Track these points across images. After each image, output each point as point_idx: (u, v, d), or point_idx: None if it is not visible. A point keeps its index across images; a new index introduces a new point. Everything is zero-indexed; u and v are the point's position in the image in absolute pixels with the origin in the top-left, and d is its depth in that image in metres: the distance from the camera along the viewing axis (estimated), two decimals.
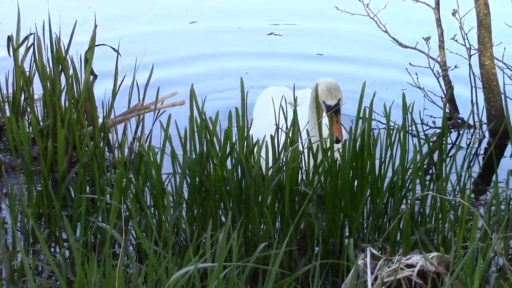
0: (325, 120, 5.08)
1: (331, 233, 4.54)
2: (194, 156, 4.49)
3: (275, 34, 8.44)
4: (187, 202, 4.51)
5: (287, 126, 4.67)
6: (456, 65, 6.71)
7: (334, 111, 5.14)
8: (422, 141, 4.68)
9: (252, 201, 4.38)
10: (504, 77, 5.72)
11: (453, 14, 6.53)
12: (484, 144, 6.41)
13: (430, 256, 3.79)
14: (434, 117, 6.72)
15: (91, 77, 5.76)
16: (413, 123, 4.75)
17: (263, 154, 4.52)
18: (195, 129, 4.53)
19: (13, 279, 4.23)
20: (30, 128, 5.69)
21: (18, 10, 5.90)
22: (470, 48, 6.58)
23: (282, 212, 4.48)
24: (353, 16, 6.94)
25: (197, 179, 4.47)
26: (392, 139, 4.63)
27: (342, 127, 5.13)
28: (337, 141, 4.88)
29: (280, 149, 4.63)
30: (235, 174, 4.45)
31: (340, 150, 4.50)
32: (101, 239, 4.49)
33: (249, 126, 4.59)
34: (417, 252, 3.92)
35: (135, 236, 4.51)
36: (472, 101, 6.52)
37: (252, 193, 4.38)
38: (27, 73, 5.85)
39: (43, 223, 4.82)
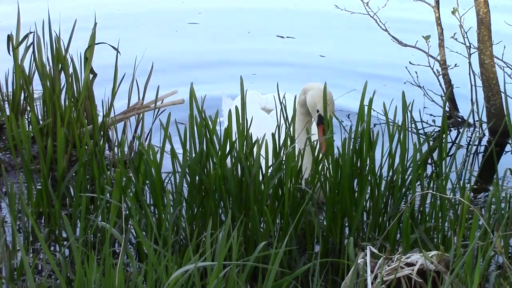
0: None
1: (330, 232, 4.54)
2: (193, 155, 4.49)
3: (287, 37, 8.45)
4: (187, 201, 4.50)
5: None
6: (456, 64, 6.72)
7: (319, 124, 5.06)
8: (422, 140, 4.68)
9: (251, 200, 4.38)
10: (504, 76, 5.71)
11: (453, 12, 6.53)
12: (484, 142, 6.42)
13: (430, 255, 3.79)
14: (434, 116, 6.72)
15: (91, 76, 5.76)
16: (413, 121, 4.74)
17: (262, 153, 4.52)
18: (195, 128, 4.53)
19: (12, 278, 4.23)
20: (30, 127, 5.69)
21: (18, 8, 5.90)
22: (470, 46, 6.58)
23: (282, 211, 4.48)
24: (353, 15, 6.95)
25: (197, 178, 4.47)
26: (392, 137, 4.63)
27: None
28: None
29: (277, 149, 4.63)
30: (234, 173, 4.45)
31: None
32: (101, 238, 4.49)
33: (249, 125, 4.59)
34: (417, 250, 3.92)
35: (134, 235, 4.51)
36: (472, 100, 6.52)
37: (251, 192, 4.38)
38: (27, 72, 5.85)
39: (43, 222, 4.82)
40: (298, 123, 5.12)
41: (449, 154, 5.94)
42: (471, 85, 6.53)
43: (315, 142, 4.70)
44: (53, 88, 5.63)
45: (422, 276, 3.78)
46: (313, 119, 5.14)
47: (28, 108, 5.90)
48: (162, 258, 3.75)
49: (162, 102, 6.14)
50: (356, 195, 4.56)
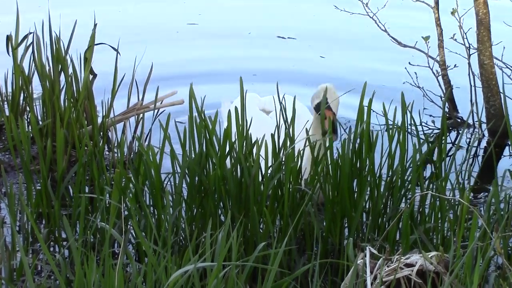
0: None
1: (330, 232, 4.54)
2: (193, 156, 4.49)
3: (289, 38, 8.46)
4: (186, 202, 4.50)
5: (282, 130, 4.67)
6: (455, 65, 6.72)
7: (326, 109, 5.09)
8: (421, 141, 4.68)
9: (251, 200, 4.38)
10: (503, 76, 5.71)
11: (452, 13, 6.53)
12: (483, 143, 6.42)
13: (429, 256, 3.79)
14: (434, 117, 6.72)
15: (91, 76, 5.76)
16: (412, 122, 4.74)
17: (261, 153, 4.52)
18: (195, 129, 4.53)
19: (12, 278, 4.23)
20: (29, 127, 5.69)
21: (17, 8, 5.89)
22: (470, 47, 6.58)
23: (281, 212, 4.48)
24: (352, 15, 6.95)
25: (197, 178, 4.47)
26: (392, 138, 4.63)
27: (337, 123, 5.10)
28: (324, 134, 4.94)
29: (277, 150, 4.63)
30: (234, 173, 4.45)
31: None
32: (101, 239, 4.49)
33: (249, 125, 4.58)
34: (417, 251, 3.92)
35: (134, 235, 4.51)
36: (471, 101, 6.52)
37: (251, 192, 4.38)
38: (26, 72, 5.84)
39: (42, 222, 4.82)
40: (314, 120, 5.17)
41: (449, 154, 5.93)
42: (471, 85, 6.54)
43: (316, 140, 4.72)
44: (53, 88, 5.63)
45: (422, 277, 3.78)
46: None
47: (28, 109, 5.90)
48: (161, 258, 3.75)
49: (161, 103, 6.13)
50: (355, 195, 4.56)
